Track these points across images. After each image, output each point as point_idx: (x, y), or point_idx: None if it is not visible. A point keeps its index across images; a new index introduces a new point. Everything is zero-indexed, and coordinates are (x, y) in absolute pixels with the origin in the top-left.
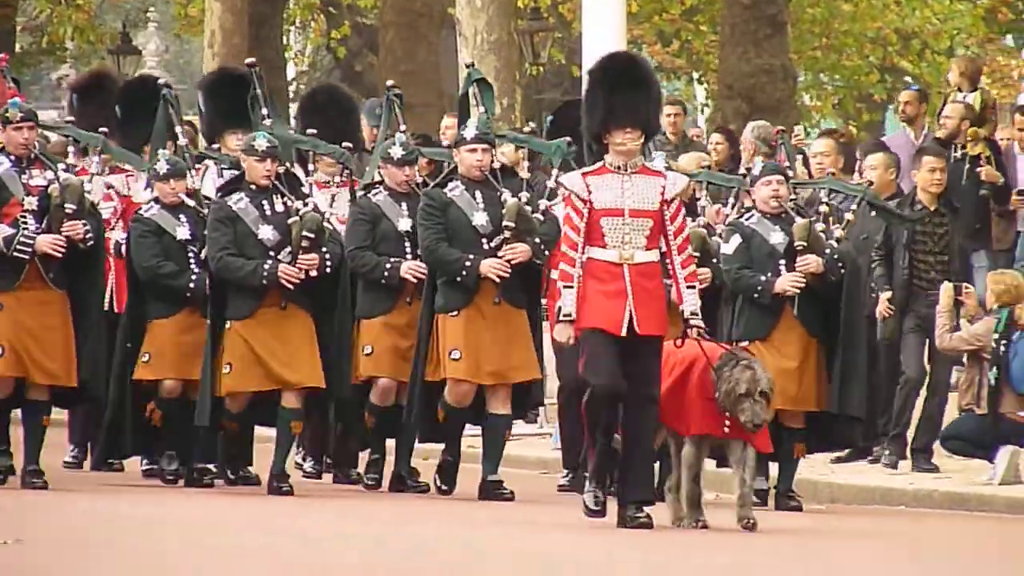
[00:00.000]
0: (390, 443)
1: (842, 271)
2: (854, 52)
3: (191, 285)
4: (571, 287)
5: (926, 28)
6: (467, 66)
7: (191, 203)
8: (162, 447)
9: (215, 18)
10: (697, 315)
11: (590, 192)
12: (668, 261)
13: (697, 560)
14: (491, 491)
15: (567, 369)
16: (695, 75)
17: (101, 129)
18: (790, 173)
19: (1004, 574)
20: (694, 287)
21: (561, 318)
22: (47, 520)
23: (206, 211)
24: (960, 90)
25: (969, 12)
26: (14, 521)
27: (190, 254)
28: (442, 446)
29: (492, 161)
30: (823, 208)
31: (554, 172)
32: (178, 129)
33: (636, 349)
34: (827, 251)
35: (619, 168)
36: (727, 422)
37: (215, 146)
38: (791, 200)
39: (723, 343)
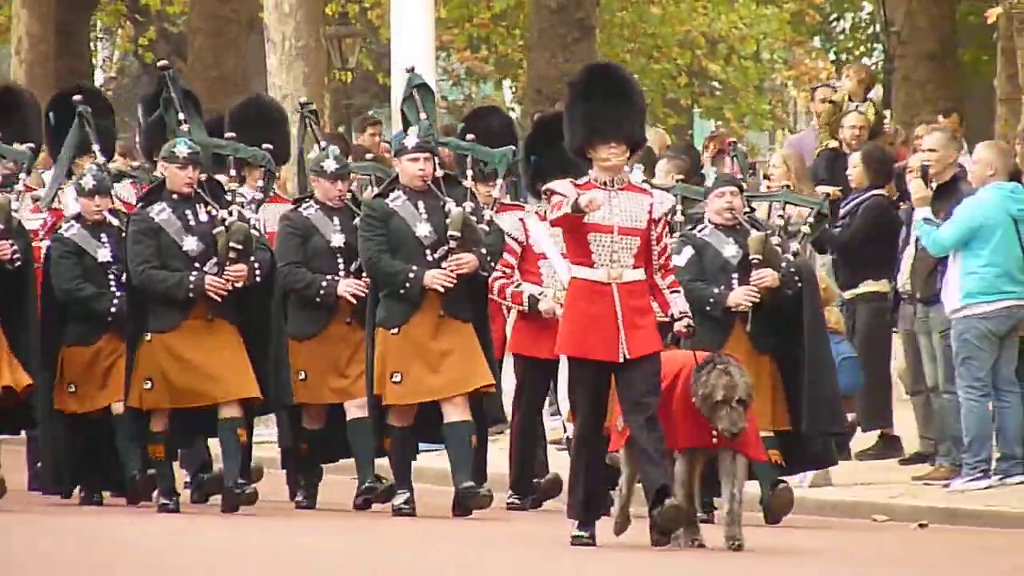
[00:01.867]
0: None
1: (798, 284)
2: (661, 56)
3: (112, 309)
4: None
5: (733, 32)
6: (407, 71)
7: (115, 222)
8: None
9: (22, 25)
10: (686, 313)
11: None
12: (648, 277)
13: None
14: (466, 498)
15: (527, 393)
16: (507, 83)
17: (28, 144)
18: (744, 185)
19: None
20: (678, 291)
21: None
22: None
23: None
24: (851, 99)
25: (775, 16)
26: None
27: (111, 276)
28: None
29: (435, 170)
30: (778, 221)
31: (498, 181)
32: (95, 147)
33: (629, 372)
34: (783, 264)
35: (605, 184)
36: (715, 431)
37: (152, 160)
38: (745, 212)
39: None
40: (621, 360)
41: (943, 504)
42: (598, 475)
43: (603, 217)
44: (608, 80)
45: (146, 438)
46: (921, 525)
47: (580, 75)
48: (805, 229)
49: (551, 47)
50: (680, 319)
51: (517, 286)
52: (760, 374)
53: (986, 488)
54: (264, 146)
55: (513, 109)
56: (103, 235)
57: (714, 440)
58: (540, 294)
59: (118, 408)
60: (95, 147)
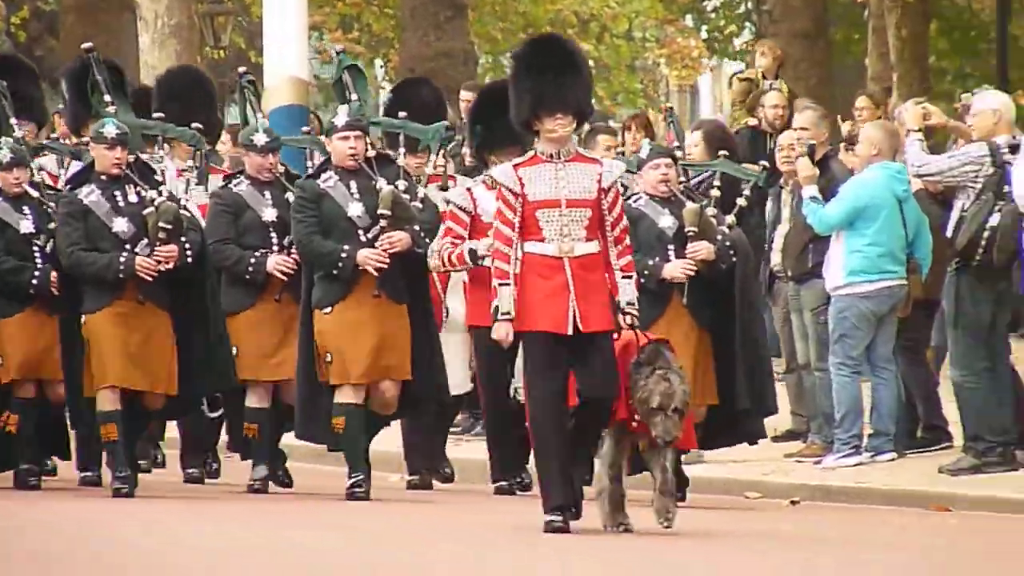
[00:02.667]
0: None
1: (733, 258)
2: (533, 34)
3: (34, 281)
4: (508, 284)
5: (605, 11)
6: (336, 53)
7: (35, 194)
8: (16, 453)
9: None
10: (633, 304)
11: (523, 185)
12: (603, 252)
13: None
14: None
15: (487, 364)
16: (378, 61)
17: None
18: (679, 155)
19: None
20: (630, 277)
21: (500, 317)
22: None
23: (53, 204)
24: (765, 77)
25: None
26: None
27: (35, 248)
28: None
29: (366, 149)
30: (714, 192)
31: (432, 157)
32: (13, 121)
33: (584, 348)
34: (719, 237)
35: (552, 156)
36: (636, 417)
37: (83, 137)
38: (681, 183)
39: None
40: (571, 331)
41: (815, 481)
42: (564, 455)
43: (549, 192)
44: (553, 51)
45: (98, 419)
46: (793, 502)
47: (525, 47)
48: (741, 202)
49: (423, 26)
50: (626, 311)
51: (460, 249)
52: (697, 348)
53: (856, 465)
54: (193, 125)
55: (384, 88)
56: (25, 207)
57: (634, 424)
58: (506, 314)
59: (56, 391)
60: (12, 121)
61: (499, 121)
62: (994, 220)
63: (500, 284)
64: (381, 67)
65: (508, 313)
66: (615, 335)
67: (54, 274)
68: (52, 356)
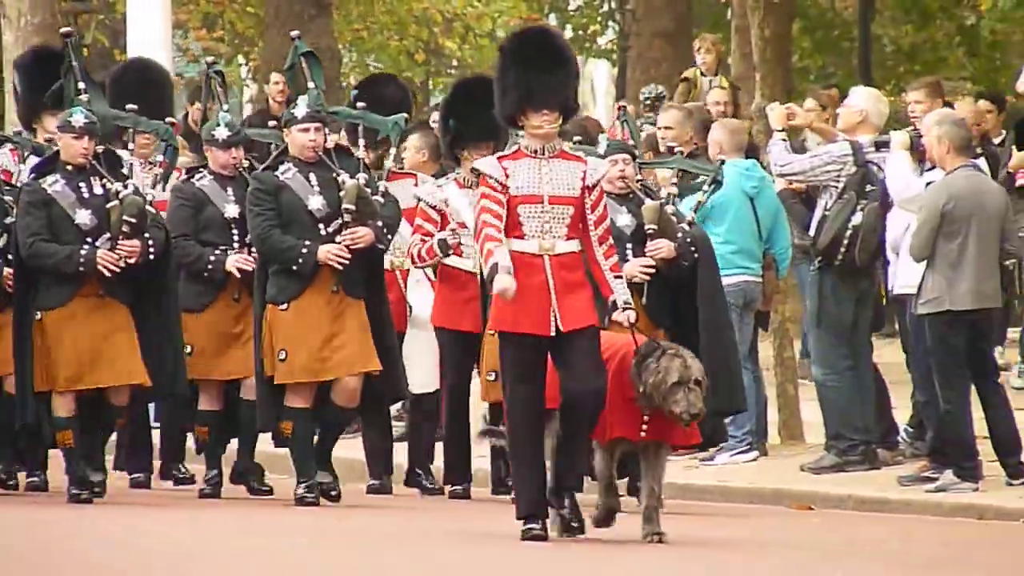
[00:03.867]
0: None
1: (695, 256)
2: (394, 34)
3: None
4: (499, 244)
5: (468, 11)
6: (293, 39)
7: None
8: None
9: None
10: (629, 303)
11: (507, 176)
12: (588, 252)
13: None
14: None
15: (452, 367)
16: (241, 60)
17: None
18: (636, 152)
19: None
20: (621, 276)
21: (500, 270)
22: None
23: (9, 199)
24: (704, 74)
25: None
26: None
27: None
28: None
29: (325, 140)
30: (672, 189)
31: (392, 150)
32: None
33: (566, 346)
34: (679, 235)
35: (536, 152)
36: (644, 425)
37: (31, 129)
38: (638, 180)
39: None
40: (553, 333)
41: (680, 480)
42: (542, 462)
43: (532, 187)
44: (540, 45)
45: (52, 424)
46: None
47: (512, 40)
48: (700, 197)
49: (288, 24)
50: (624, 310)
51: (428, 243)
52: None
53: (752, 461)
54: (128, 106)
55: (248, 86)
56: None
57: (643, 433)
58: (506, 267)
59: (10, 386)
60: None
61: (472, 116)
62: (856, 219)
63: (494, 246)
64: (244, 65)
65: (508, 266)
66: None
67: (7, 269)
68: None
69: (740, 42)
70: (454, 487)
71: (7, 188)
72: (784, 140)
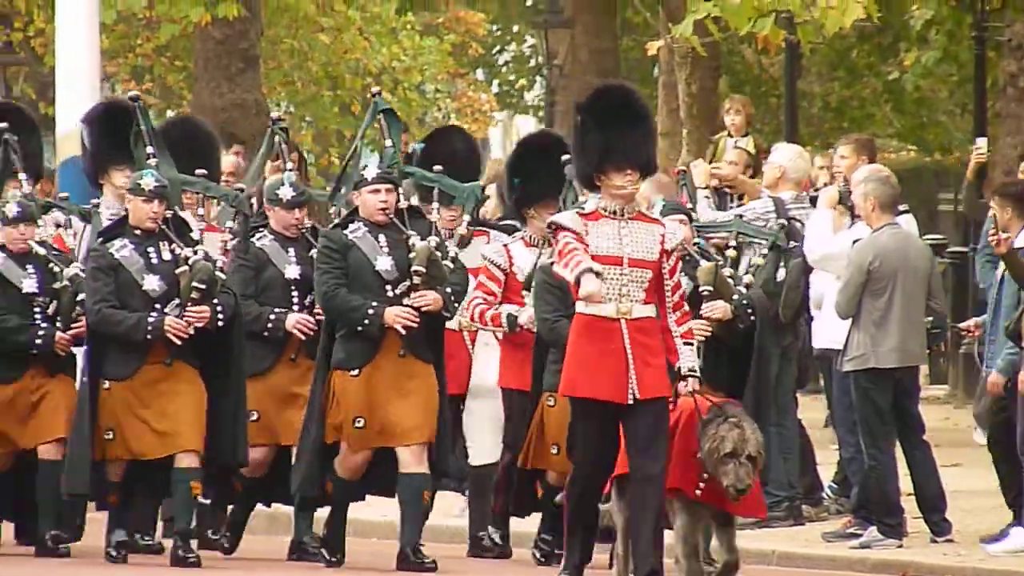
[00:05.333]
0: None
1: (752, 318)
2: (326, 88)
3: (37, 341)
4: (581, 252)
5: (396, 64)
6: (372, 95)
7: (41, 251)
8: None
9: None
10: (695, 371)
11: (587, 233)
12: (662, 318)
13: None
14: (411, 560)
15: (515, 440)
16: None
17: None
18: (694, 214)
19: None
20: (691, 344)
21: (590, 272)
22: None
23: (57, 264)
24: (731, 135)
25: (437, 48)
26: None
27: (36, 308)
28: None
29: (397, 202)
30: (730, 252)
31: (465, 217)
32: (21, 175)
33: (637, 415)
34: (735, 296)
35: (615, 213)
36: (701, 484)
37: (98, 185)
38: (695, 243)
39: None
40: (631, 401)
41: None
42: (594, 534)
43: (613, 248)
44: (621, 103)
45: (103, 488)
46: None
47: (590, 98)
48: (758, 260)
49: (216, 78)
50: (686, 378)
51: (496, 309)
52: None
53: None
54: (198, 172)
55: None
56: (29, 265)
57: (698, 492)
58: (589, 268)
59: (45, 452)
60: (21, 176)
61: (538, 175)
62: (780, 275)
63: (577, 255)
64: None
65: (598, 269)
66: (671, 404)
67: (59, 335)
68: (38, 423)
69: (667, 98)
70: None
71: (55, 254)
72: (707, 198)
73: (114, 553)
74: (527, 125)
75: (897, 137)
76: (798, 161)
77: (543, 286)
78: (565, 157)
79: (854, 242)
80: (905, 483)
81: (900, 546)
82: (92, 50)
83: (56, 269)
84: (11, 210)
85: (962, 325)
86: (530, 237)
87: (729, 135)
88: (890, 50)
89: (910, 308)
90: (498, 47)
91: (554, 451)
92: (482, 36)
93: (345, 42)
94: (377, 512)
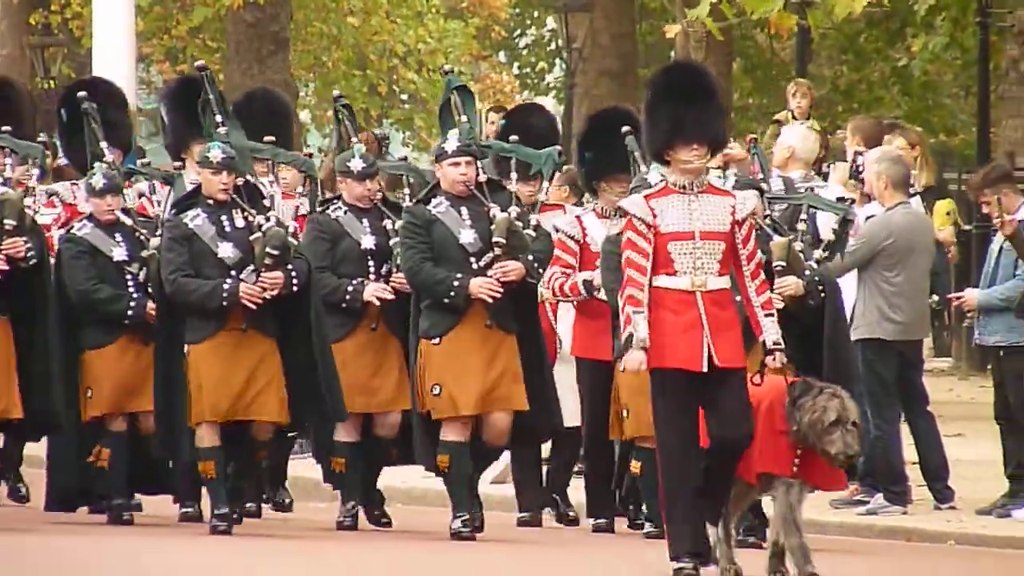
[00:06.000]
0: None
1: (822, 294)
2: (355, 68)
3: (129, 311)
4: (642, 312)
5: (421, 46)
6: (443, 73)
7: (128, 221)
8: (106, 487)
9: None
10: (779, 344)
11: (655, 216)
12: (741, 289)
13: None
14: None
15: (592, 409)
16: None
17: (40, 139)
18: (764, 187)
19: None
20: (772, 315)
21: (635, 344)
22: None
23: (143, 230)
24: (796, 117)
25: (462, 31)
26: None
27: (128, 276)
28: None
29: (477, 174)
30: (801, 226)
31: (544, 184)
32: (103, 145)
33: (717, 385)
34: (807, 272)
35: (684, 188)
36: (796, 460)
37: (181, 159)
38: (766, 216)
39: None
40: (706, 369)
41: None
42: (697, 504)
43: (682, 223)
44: (692, 80)
45: (198, 455)
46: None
47: (661, 74)
48: (830, 235)
49: (248, 59)
50: (772, 351)
51: (572, 280)
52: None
53: None
54: (266, 139)
55: None
56: (117, 234)
57: (795, 469)
58: (641, 341)
59: (147, 423)
60: (102, 144)
61: (609, 148)
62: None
63: (634, 312)
64: None
65: (644, 340)
66: (754, 380)
67: (150, 303)
68: (144, 388)
69: None
70: (597, 520)
71: (142, 221)
72: (720, 179)
73: (219, 525)
74: (547, 106)
75: (904, 119)
76: (807, 141)
77: (609, 256)
78: (625, 129)
79: (867, 219)
80: (909, 452)
81: (904, 513)
82: (128, 32)
83: (143, 237)
84: (98, 181)
85: (951, 296)
86: (602, 209)
87: (794, 117)
88: (897, 35)
89: (917, 284)
90: (519, 31)
91: (624, 414)
92: (504, 20)
93: (373, 25)
94: (398, 479)
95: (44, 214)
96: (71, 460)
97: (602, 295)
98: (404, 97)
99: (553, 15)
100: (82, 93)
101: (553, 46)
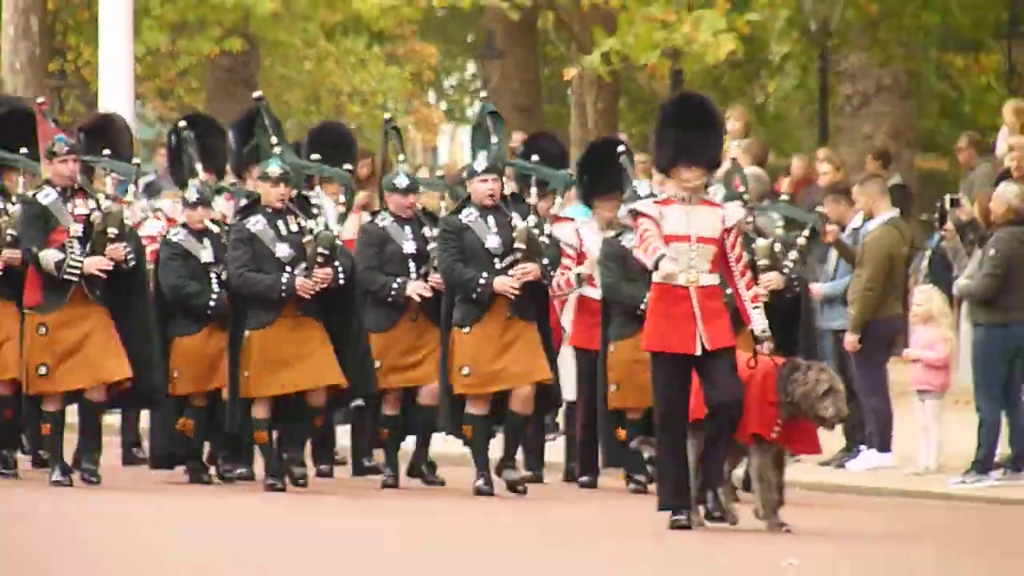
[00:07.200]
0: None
1: (797, 289)
2: (310, 103)
3: (211, 304)
4: (661, 248)
5: (365, 87)
6: (480, 99)
7: (215, 229)
8: (189, 453)
9: None
10: (767, 332)
11: (661, 217)
12: (732, 285)
13: None
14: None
15: (587, 381)
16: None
17: (135, 161)
18: (746, 198)
19: None
20: (759, 307)
21: (667, 259)
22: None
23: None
24: (733, 138)
25: (398, 75)
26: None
27: (212, 275)
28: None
29: (502, 189)
30: (777, 231)
31: (557, 200)
32: (198, 165)
33: (710, 363)
34: (785, 271)
35: (684, 200)
36: (777, 428)
37: (242, 177)
38: (748, 223)
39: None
40: (699, 351)
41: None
42: (684, 461)
43: (682, 228)
44: (697, 109)
45: (254, 425)
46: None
47: (673, 102)
48: (801, 242)
49: (224, 99)
50: (761, 338)
51: (566, 275)
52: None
53: None
54: (312, 157)
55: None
56: (205, 239)
57: (774, 435)
58: (584, 269)
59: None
60: (197, 166)
61: (603, 171)
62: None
63: (656, 246)
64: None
65: (673, 256)
66: (750, 363)
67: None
68: (221, 369)
69: (579, 114)
70: (581, 477)
71: (226, 229)
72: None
73: (274, 483)
74: (467, 136)
75: None
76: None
77: (606, 255)
78: (620, 149)
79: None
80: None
81: None
82: (127, 75)
83: (226, 243)
84: (191, 196)
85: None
86: (597, 224)
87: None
88: (755, 76)
89: None
90: (446, 74)
91: (613, 388)
92: (433, 65)
93: (325, 69)
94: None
95: (150, 225)
96: (169, 428)
97: (589, 291)
98: (352, 127)
99: (473, 61)
100: (182, 123)
101: (473, 87)
